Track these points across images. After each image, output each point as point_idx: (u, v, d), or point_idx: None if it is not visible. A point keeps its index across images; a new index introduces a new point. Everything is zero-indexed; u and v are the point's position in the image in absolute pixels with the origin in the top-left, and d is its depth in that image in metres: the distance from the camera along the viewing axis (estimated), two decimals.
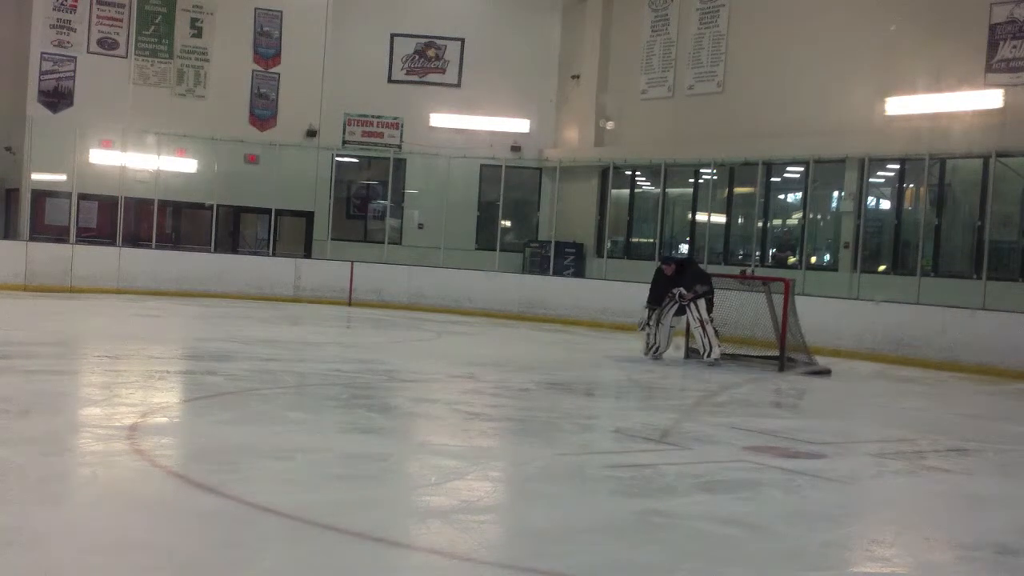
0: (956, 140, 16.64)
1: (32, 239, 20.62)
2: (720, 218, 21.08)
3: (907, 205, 18.28)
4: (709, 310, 13.19)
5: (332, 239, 23.16)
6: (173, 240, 23.07)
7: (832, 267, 18.84)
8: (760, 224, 20.00)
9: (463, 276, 21.56)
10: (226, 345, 12.87)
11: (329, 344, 14.00)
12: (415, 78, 24.16)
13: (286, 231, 23.90)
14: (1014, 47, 16.32)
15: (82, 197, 21.61)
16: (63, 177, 21.43)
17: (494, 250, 22.70)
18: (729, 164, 20.44)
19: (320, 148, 23.46)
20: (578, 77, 23.85)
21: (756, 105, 19.74)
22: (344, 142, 23.99)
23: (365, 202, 24.86)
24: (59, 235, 21.58)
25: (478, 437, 7.56)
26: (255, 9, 23.31)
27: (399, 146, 23.96)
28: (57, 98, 21.82)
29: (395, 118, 24.02)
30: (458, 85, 24.13)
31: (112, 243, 21.23)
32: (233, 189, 22.55)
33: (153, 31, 22.55)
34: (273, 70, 23.45)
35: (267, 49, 23.42)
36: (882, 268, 18.39)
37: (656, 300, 13.51)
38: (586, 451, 7.29)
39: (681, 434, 8.00)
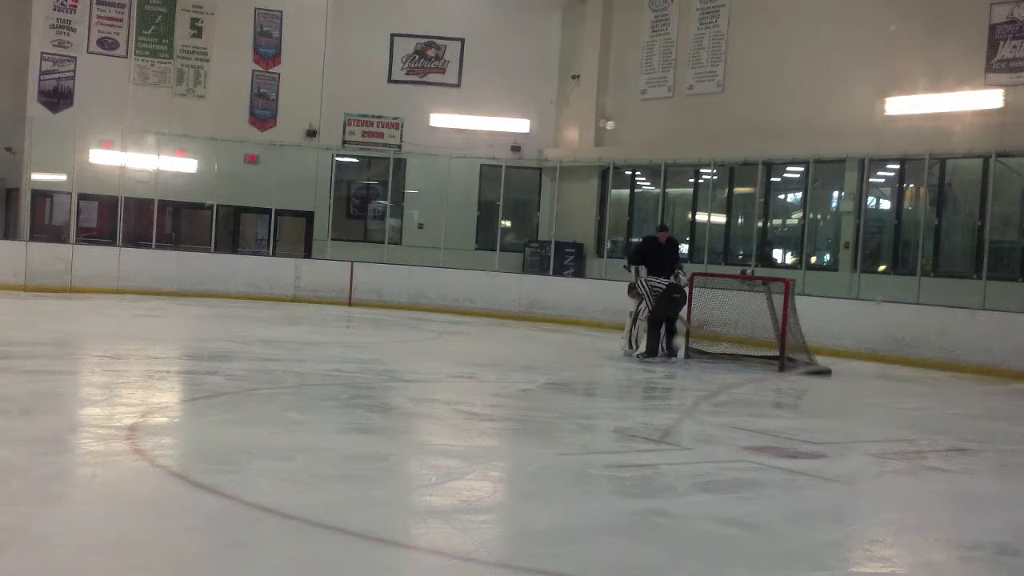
0: (956, 140, 16.65)
1: (32, 239, 20.62)
2: (720, 218, 21.08)
3: (907, 205, 18.28)
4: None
5: (332, 239, 23.16)
6: (173, 240, 23.07)
7: (832, 267, 18.84)
8: (760, 224, 20.00)
9: (463, 276, 21.56)
10: (226, 345, 12.87)
11: (329, 344, 14.00)
12: (415, 78, 24.17)
13: (286, 231, 23.91)
14: (1014, 47, 16.32)
15: (82, 197, 21.62)
16: (63, 177, 21.44)
17: (494, 250, 22.70)
18: (729, 164, 20.44)
19: (320, 148, 23.47)
20: (578, 77, 23.84)
21: (756, 105, 19.73)
22: (344, 142, 23.99)
23: (365, 202, 24.86)
24: (59, 235, 21.61)
25: (478, 437, 7.56)
26: (255, 9, 23.32)
27: (399, 146, 23.96)
28: (57, 98, 21.83)
29: (395, 118, 24.03)
30: (458, 85, 24.14)
31: (112, 243, 21.23)
32: (233, 189, 22.54)
33: (153, 31, 22.55)
34: (273, 70, 23.46)
35: (267, 49, 23.42)
36: (882, 268, 18.40)
37: (642, 263, 13.63)
38: (586, 451, 7.29)
39: (681, 434, 8.00)
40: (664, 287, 13.31)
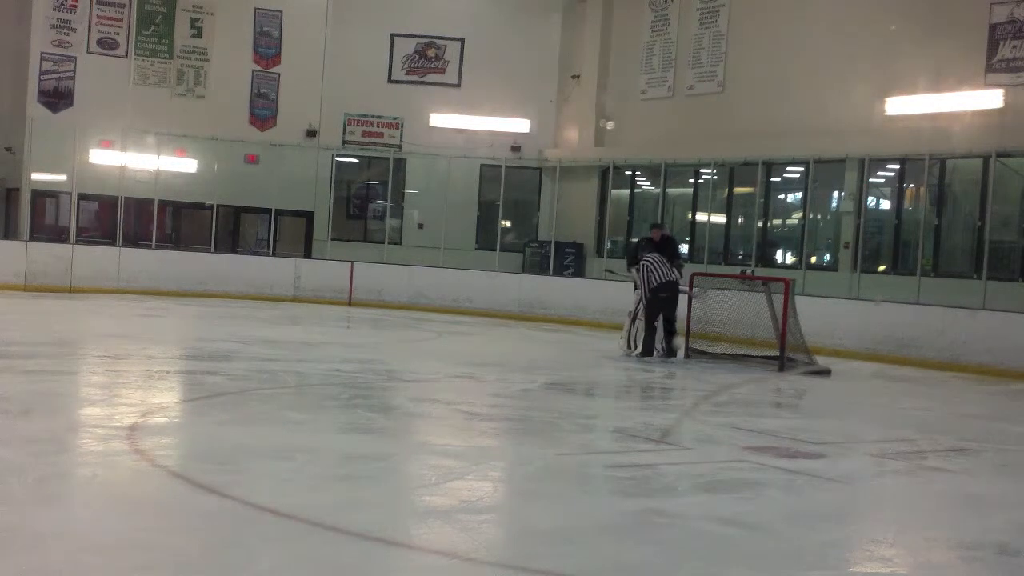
0: (956, 140, 16.64)
1: (32, 239, 20.62)
2: (720, 218, 21.07)
3: (907, 205, 18.28)
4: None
5: (332, 239, 23.16)
6: (173, 240, 23.07)
7: (832, 267, 18.84)
8: (760, 224, 20.00)
9: (463, 276, 21.56)
10: (226, 345, 12.87)
11: (329, 344, 13.99)
12: (415, 78, 24.16)
13: (286, 231, 23.90)
14: (1014, 47, 16.31)
15: (82, 197, 21.62)
16: (63, 177, 21.43)
17: (494, 250, 22.70)
18: (729, 164, 20.44)
19: (320, 148, 23.47)
20: (578, 77, 23.84)
21: (756, 105, 19.73)
22: (344, 142, 23.99)
23: (365, 202, 24.85)
24: (59, 235, 21.61)
25: (478, 437, 7.56)
26: (255, 9, 23.31)
27: (399, 146, 23.96)
28: (57, 98, 21.82)
29: (395, 118, 24.02)
30: (458, 85, 24.13)
31: (112, 243, 21.23)
32: (233, 189, 22.54)
33: (153, 31, 22.55)
34: (273, 70, 23.45)
35: (267, 49, 23.42)
36: (882, 268, 18.39)
37: (638, 263, 13.67)
38: (586, 451, 7.29)
39: (681, 434, 8.00)
40: (662, 281, 13.26)
